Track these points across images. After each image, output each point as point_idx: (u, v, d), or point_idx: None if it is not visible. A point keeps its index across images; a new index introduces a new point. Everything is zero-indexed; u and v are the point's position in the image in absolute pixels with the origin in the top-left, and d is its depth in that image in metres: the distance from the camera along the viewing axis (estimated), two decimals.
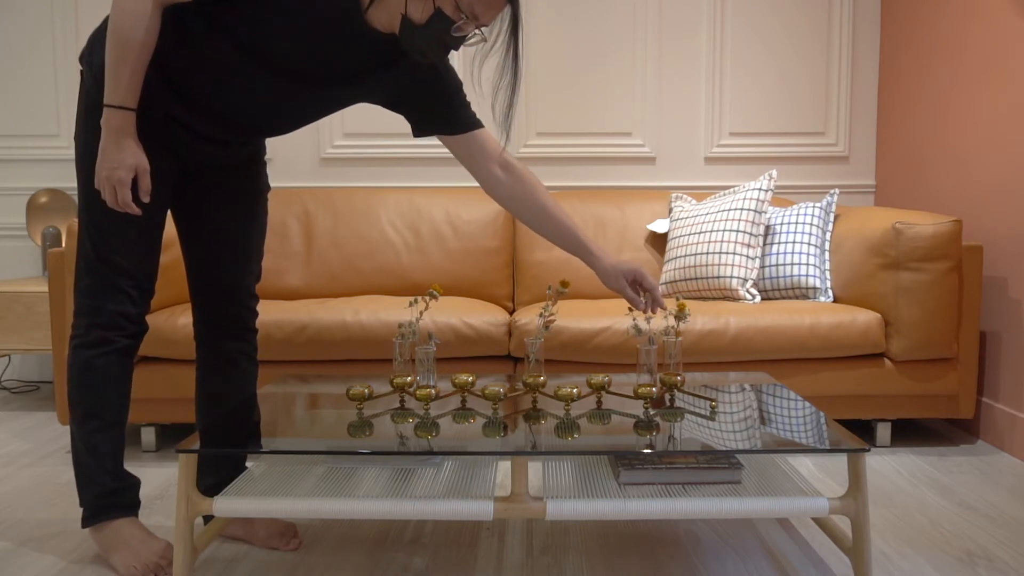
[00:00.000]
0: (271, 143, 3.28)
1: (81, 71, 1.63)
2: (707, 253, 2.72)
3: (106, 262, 1.60)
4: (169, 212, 1.78)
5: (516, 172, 1.72)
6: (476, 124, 1.68)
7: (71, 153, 3.33)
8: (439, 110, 1.67)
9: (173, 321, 2.38)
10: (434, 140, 3.28)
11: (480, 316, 2.46)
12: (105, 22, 1.60)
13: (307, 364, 2.46)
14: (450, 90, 1.65)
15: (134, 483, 1.70)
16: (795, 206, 2.80)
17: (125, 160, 1.47)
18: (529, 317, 2.46)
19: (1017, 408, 2.42)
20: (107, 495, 1.65)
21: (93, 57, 1.59)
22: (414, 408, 1.69)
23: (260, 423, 1.61)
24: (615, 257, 1.75)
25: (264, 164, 1.81)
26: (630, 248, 3.01)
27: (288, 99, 1.57)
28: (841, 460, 2.39)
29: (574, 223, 1.73)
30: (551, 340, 2.41)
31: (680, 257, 2.80)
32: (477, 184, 3.30)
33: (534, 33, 3.26)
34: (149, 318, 2.41)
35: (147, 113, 1.55)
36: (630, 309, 1.80)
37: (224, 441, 1.50)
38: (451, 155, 3.28)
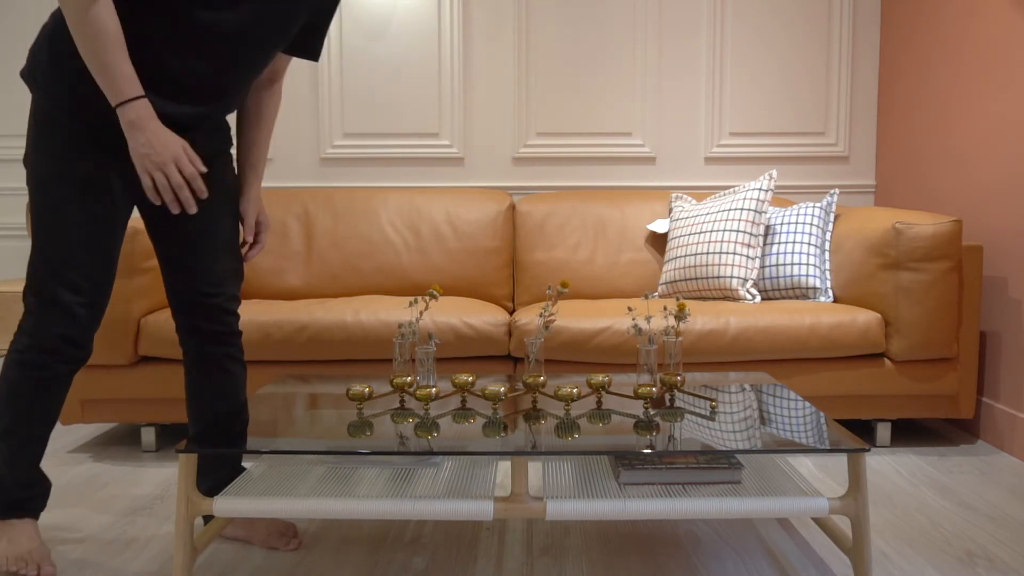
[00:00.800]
0: (273, 143, 3.28)
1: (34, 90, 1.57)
2: (707, 253, 2.72)
3: (60, 281, 1.55)
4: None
5: (277, 87, 1.76)
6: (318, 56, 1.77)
7: None
8: (314, 34, 1.72)
9: (173, 321, 2.38)
10: (436, 140, 3.29)
11: (480, 316, 2.46)
12: (43, 36, 1.54)
13: (307, 364, 2.46)
14: (330, 18, 1.73)
15: (42, 491, 1.69)
16: (795, 206, 2.80)
17: (170, 144, 1.46)
18: (529, 317, 2.46)
19: (1017, 408, 2.42)
20: (13, 502, 1.66)
21: (37, 73, 1.54)
22: (414, 408, 1.69)
23: (247, 425, 1.60)
24: (260, 200, 1.81)
25: (231, 156, 1.76)
26: (630, 248, 3.01)
27: (239, 34, 1.53)
28: (841, 460, 2.39)
29: (266, 149, 1.79)
30: (551, 340, 2.41)
31: (680, 257, 2.80)
32: (477, 184, 3.30)
33: (534, 33, 3.26)
34: (150, 318, 2.41)
35: (103, 120, 1.52)
36: (630, 308, 1.80)
37: (217, 445, 1.50)
38: (451, 155, 3.28)
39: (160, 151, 1.45)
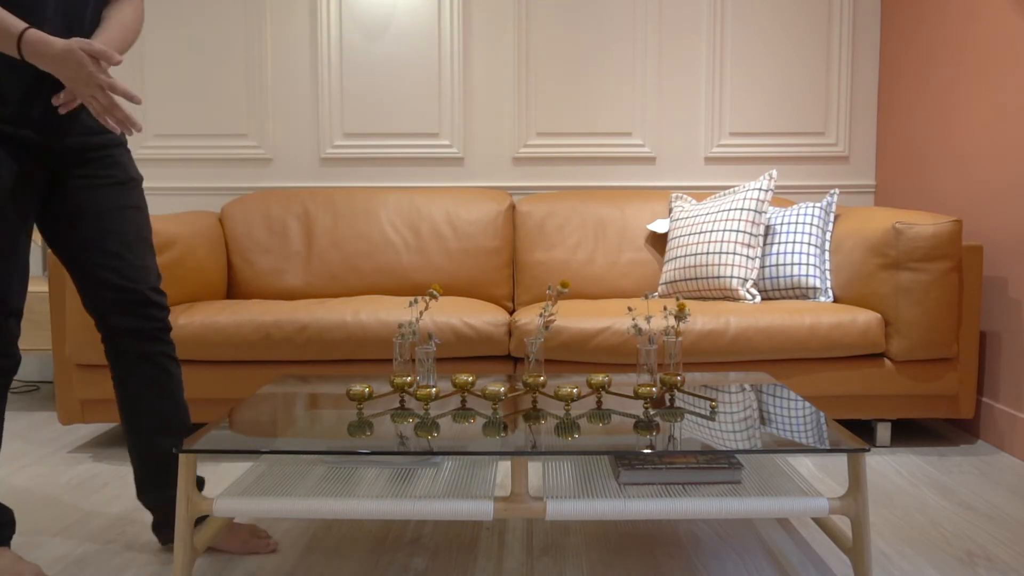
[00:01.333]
0: (272, 143, 3.28)
1: None
2: (707, 253, 2.72)
3: None
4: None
5: (133, 2, 1.64)
6: None
7: None
8: None
9: (172, 321, 2.38)
10: (436, 140, 3.29)
11: (480, 316, 2.46)
12: None
13: (307, 364, 2.46)
14: None
15: (7, 518, 1.63)
16: (795, 206, 2.80)
17: (79, 63, 1.37)
18: (529, 317, 2.46)
19: (1017, 408, 2.42)
20: None
21: None
22: (414, 408, 1.69)
23: (189, 431, 1.64)
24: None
25: (128, 151, 1.67)
26: (630, 248, 3.01)
27: None
28: (841, 460, 2.39)
29: (116, 32, 1.59)
30: (551, 340, 2.41)
31: (680, 257, 2.80)
32: (477, 184, 3.30)
33: (534, 33, 3.26)
34: None
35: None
36: (630, 308, 1.79)
37: (161, 453, 1.62)
38: (451, 155, 3.28)
39: (85, 70, 1.38)
